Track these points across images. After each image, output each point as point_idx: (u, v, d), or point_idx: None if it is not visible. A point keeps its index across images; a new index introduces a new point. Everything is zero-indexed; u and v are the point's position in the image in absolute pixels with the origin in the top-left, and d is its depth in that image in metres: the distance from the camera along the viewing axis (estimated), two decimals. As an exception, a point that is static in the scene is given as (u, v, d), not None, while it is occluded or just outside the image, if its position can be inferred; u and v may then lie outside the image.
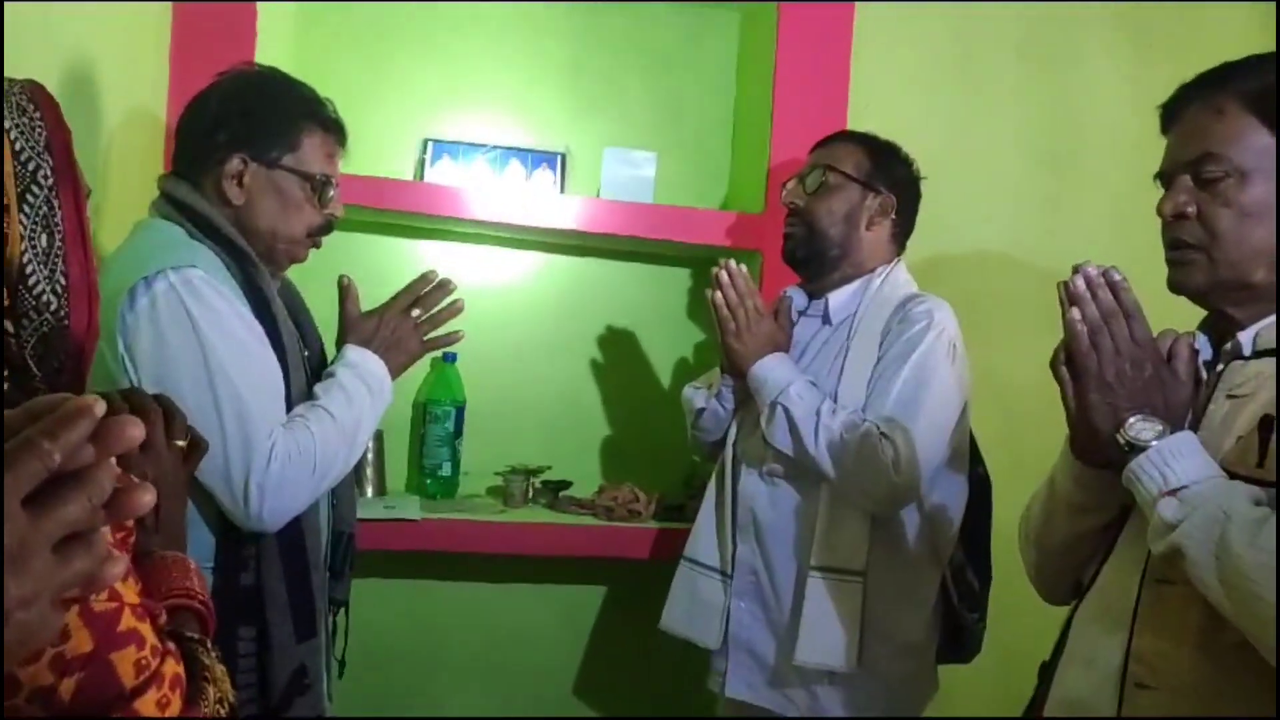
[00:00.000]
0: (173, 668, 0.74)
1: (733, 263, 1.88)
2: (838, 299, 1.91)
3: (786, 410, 1.77)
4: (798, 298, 1.97)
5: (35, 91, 0.89)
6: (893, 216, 1.91)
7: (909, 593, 1.82)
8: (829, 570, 1.75)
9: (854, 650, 1.73)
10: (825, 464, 1.74)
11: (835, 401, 1.78)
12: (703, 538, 1.95)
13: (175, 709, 0.72)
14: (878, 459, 1.68)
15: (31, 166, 0.84)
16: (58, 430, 0.52)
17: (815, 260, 1.91)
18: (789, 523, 1.83)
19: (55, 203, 0.84)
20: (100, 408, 0.54)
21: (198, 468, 1.36)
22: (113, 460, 0.55)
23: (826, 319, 1.92)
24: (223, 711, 0.78)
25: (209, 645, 0.83)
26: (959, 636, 1.91)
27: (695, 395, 2.04)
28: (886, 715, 1.81)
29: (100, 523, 0.55)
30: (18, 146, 0.84)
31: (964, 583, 1.89)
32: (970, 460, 1.88)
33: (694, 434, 2.06)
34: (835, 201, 1.89)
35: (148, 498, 0.56)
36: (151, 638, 0.72)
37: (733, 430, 1.95)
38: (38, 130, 0.85)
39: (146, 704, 0.70)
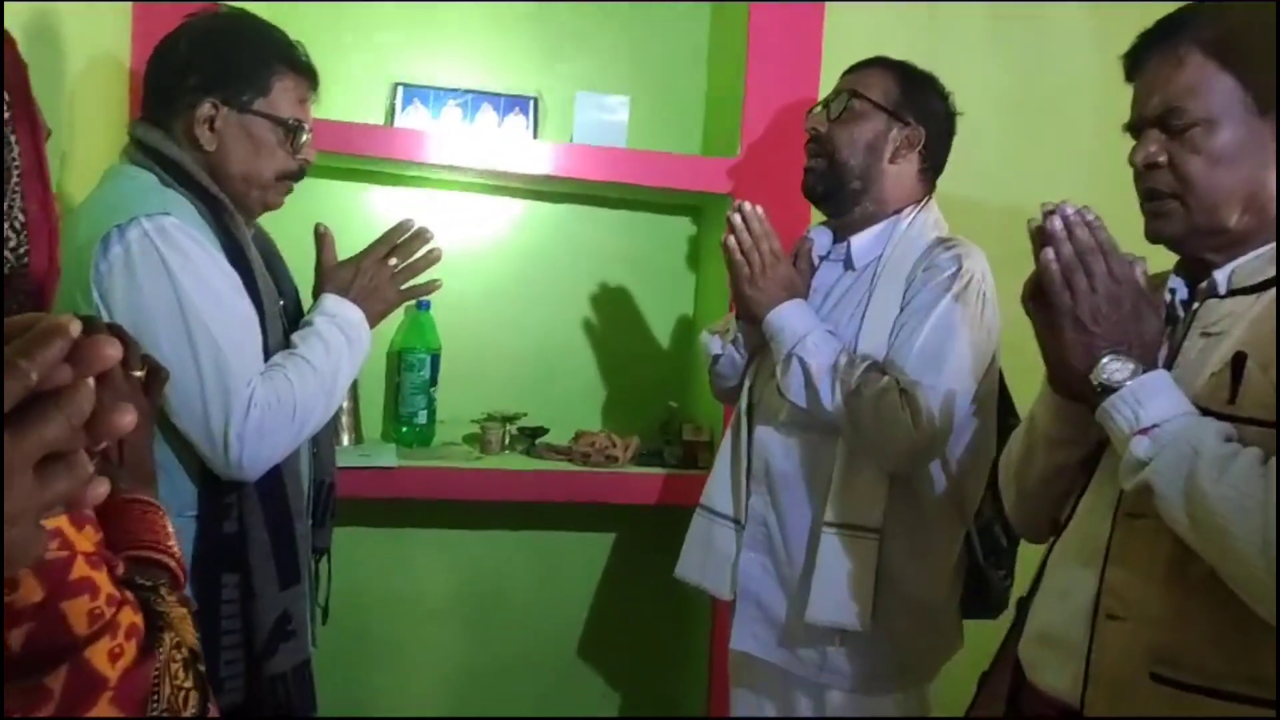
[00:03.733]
0: (129, 617, 0.72)
1: (747, 204, 1.78)
2: (861, 242, 1.80)
3: (802, 362, 1.68)
4: (820, 240, 1.87)
5: None
6: (920, 150, 1.80)
7: (928, 550, 1.73)
8: (844, 526, 1.68)
9: (867, 610, 1.66)
10: (841, 420, 1.66)
11: (855, 351, 1.70)
12: (717, 485, 1.88)
13: (130, 658, 0.70)
14: (896, 416, 1.61)
15: None
16: (33, 350, 0.51)
17: (836, 194, 1.81)
18: (803, 475, 1.76)
19: (12, 139, 0.82)
20: (75, 327, 0.53)
21: (178, 415, 1.36)
22: (90, 381, 0.54)
23: (849, 264, 1.81)
24: (179, 656, 0.76)
25: (163, 592, 0.81)
26: (984, 593, 1.82)
27: (711, 341, 1.96)
28: (900, 672, 1.75)
29: (80, 443, 0.54)
30: None
31: (991, 539, 1.80)
32: (1003, 411, 1.79)
33: (711, 380, 1.99)
34: (859, 129, 1.78)
35: (128, 418, 0.55)
36: (107, 586, 0.71)
37: (749, 377, 1.88)
38: None
39: (98, 653, 0.68)
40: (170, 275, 1.34)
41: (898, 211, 1.81)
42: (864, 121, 1.79)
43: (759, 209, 1.79)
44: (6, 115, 0.82)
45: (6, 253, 0.81)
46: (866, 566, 1.67)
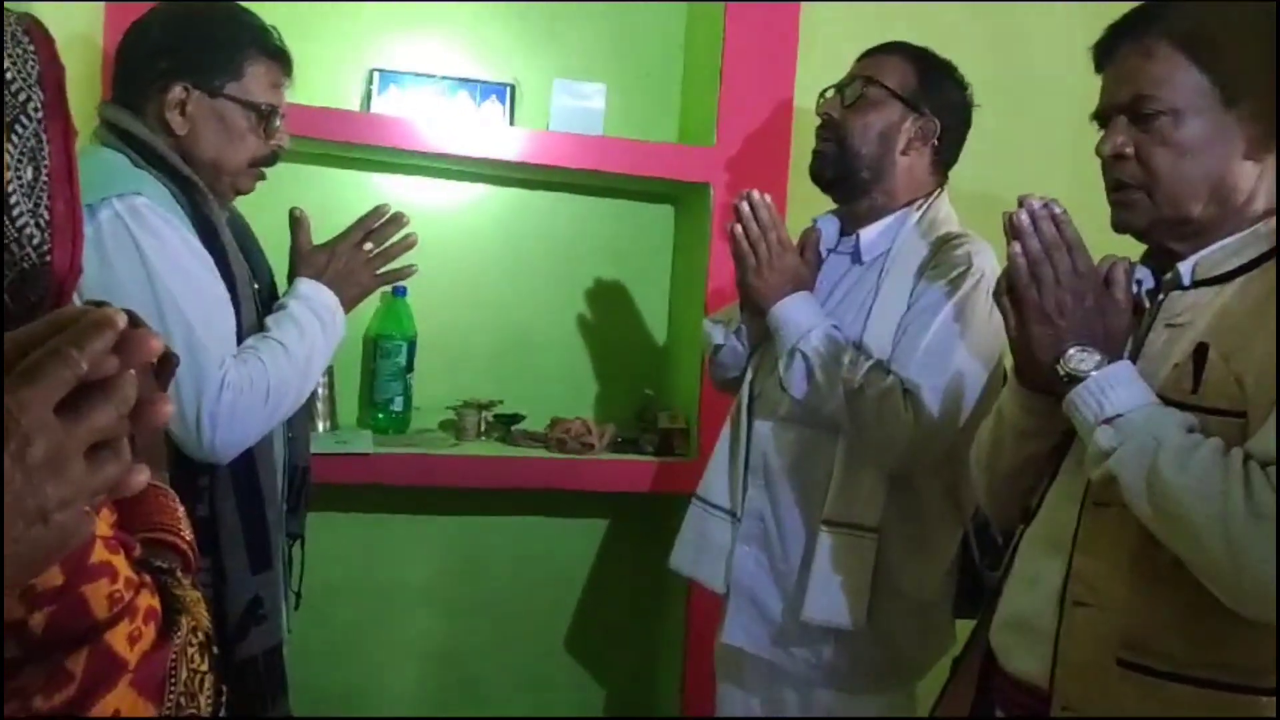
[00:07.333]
0: (147, 600, 0.73)
1: (755, 193, 1.72)
2: (869, 235, 1.75)
3: (806, 358, 1.64)
4: (827, 230, 1.81)
5: (31, 26, 0.88)
6: (934, 143, 1.75)
7: (925, 550, 1.70)
8: (842, 525, 1.65)
9: (863, 610, 1.62)
10: (842, 417, 1.63)
11: (861, 346, 1.66)
12: (714, 477, 1.84)
13: (148, 641, 0.71)
14: (898, 416, 1.57)
15: (22, 98, 0.82)
16: (83, 340, 0.54)
17: (845, 181, 1.76)
18: (802, 470, 1.72)
19: (44, 137, 0.83)
20: (122, 320, 0.56)
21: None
22: (133, 371, 0.56)
23: (857, 257, 1.76)
24: (195, 640, 0.77)
25: (179, 575, 0.82)
26: (978, 593, 1.74)
27: (714, 330, 1.90)
28: (891, 671, 1.73)
29: (125, 431, 0.57)
30: (9, 76, 0.81)
31: (987, 539, 1.75)
32: None
33: (712, 369, 1.95)
34: (873, 118, 1.73)
35: (168, 408, 0.59)
36: (125, 570, 0.71)
37: (751, 369, 1.83)
38: (30, 63, 0.83)
39: (118, 636, 0.69)
40: (142, 256, 1.34)
41: (908, 204, 1.76)
42: (878, 110, 1.74)
43: (767, 197, 1.73)
44: (40, 115, 0.83)
45: (29, 249, 0.82)
46: (864, 566, 1.63)
